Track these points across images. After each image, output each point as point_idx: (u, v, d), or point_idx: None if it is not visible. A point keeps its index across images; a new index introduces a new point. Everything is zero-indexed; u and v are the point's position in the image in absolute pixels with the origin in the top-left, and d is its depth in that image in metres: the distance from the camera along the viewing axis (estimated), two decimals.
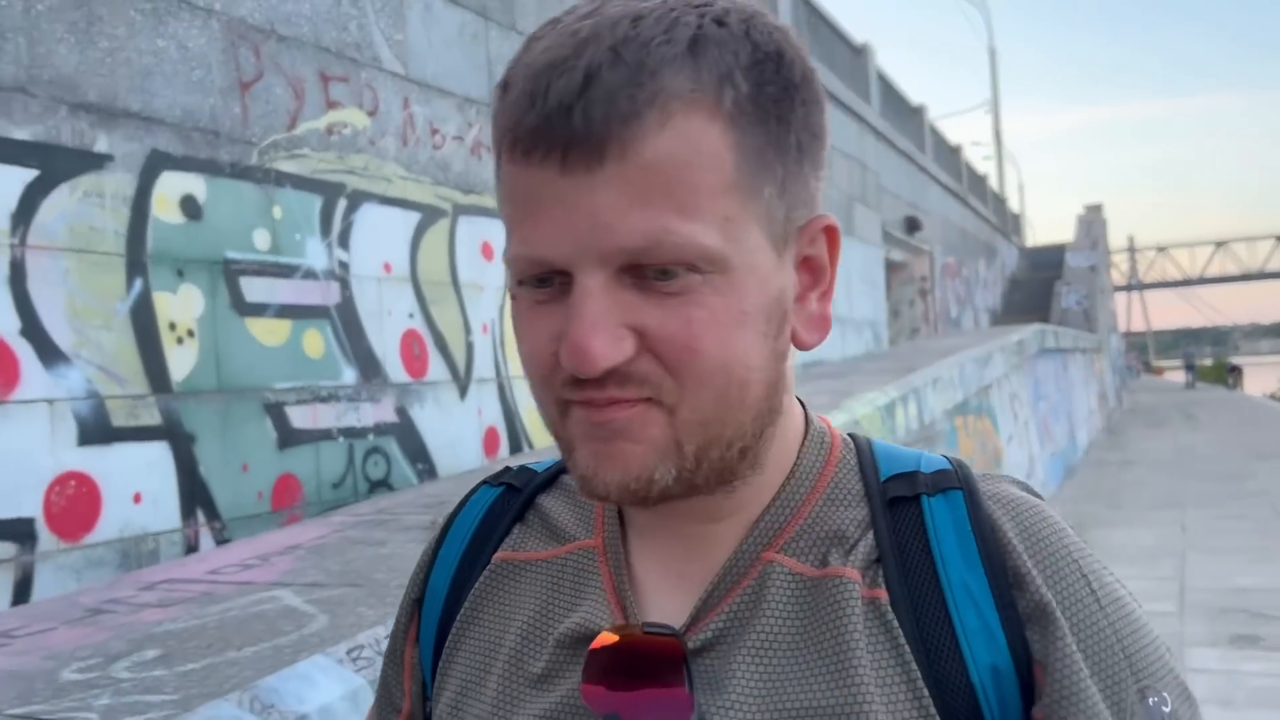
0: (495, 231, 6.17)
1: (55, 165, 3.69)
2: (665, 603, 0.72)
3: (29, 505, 3.53)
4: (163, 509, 3.99)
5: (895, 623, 0.67)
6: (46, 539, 3.56)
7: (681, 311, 0.62)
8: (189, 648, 1.85)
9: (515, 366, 6.26)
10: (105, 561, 3.74)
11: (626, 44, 0.60)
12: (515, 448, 6.17)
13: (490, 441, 5.98)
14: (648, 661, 0.69)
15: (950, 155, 24.23)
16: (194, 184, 4.25)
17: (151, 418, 3.99)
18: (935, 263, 19.72)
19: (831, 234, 0.70)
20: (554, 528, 0.80)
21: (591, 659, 0.70)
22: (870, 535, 0.70)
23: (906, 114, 19.70)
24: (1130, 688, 0.66)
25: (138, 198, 3.99)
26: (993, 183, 31.74)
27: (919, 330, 19.08)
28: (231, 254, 4.39)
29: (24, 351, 3.55)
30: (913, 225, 17.37)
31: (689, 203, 0.61)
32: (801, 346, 0.70)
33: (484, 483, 0.87)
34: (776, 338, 0.67)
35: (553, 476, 0.85)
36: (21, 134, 3.59)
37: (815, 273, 0.69)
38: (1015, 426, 10.37)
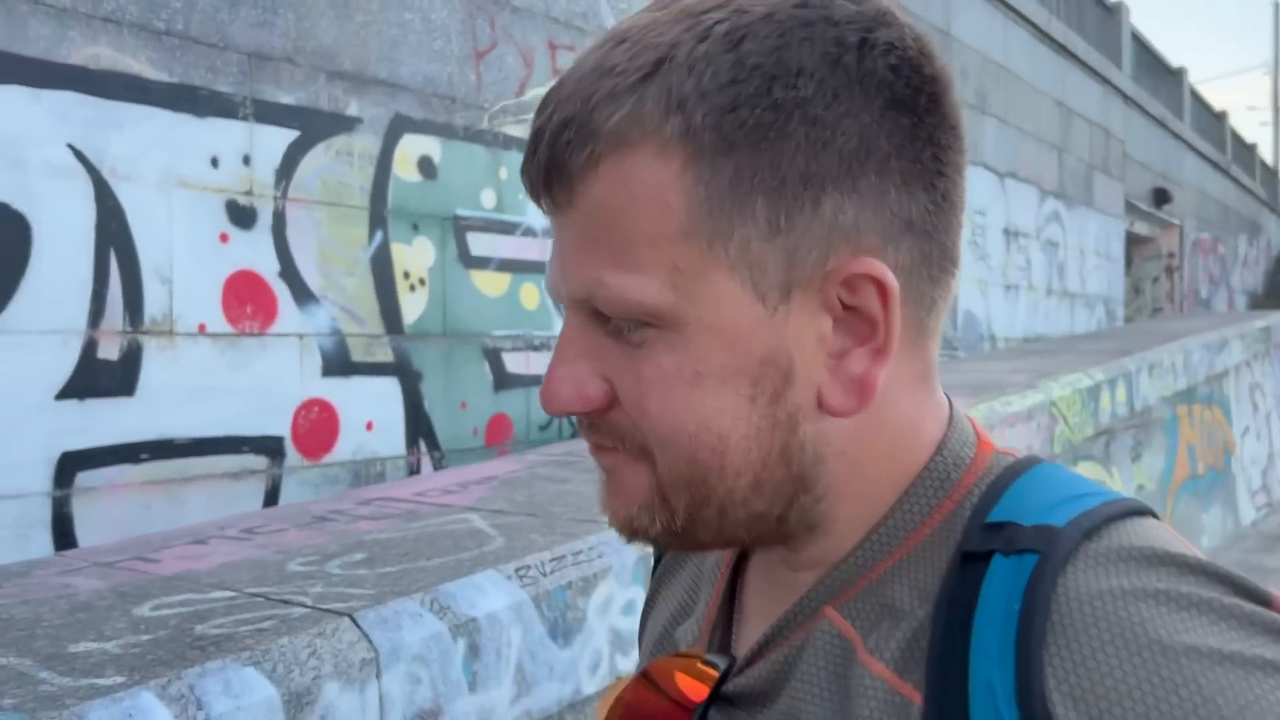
0: None
1: (313, 127, 4.17)
2: (749, 636, 0.69)
3: (279, 425, 4.06)
4: (391, 436, 4.47)
5: None
6: (292, 456, 4.08)
7: (635, 367, 0.58)
8: (389, 554, 2.22)
9: None
10: (339, 480, 4.25)
11: (592, 74, 0.56)
12: None
13: None
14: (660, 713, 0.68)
15: (1213, 122, 22.37)
16: (430, 145, 4.68)
17: (385, 355, 4.46)
18: (1186, 238, 18.39)
19: (878, 285, 0.57)
20: None
21: (641, 676, 0.70)
22: (928, 607, 0.58)
23: (1162, 77, 18.35)
24: None
25: (381, 157, 4.45)
26: (1265, 153, 29.05)
27: (1161, 309, 17.92)
28: (461, 211, 4.81)
29: (281, 291, 4.07)
30: (1161, 197, 16.28)
31: (625, 253, 0.56)
32: (831, 413, 0.59)
33: None
34: (772, 402, 0.58)
35: None
36: (287, 99, 4.08)
37: (862, 327, 0.58)
38: (1254, 419, 9.70)
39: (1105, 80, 13.96)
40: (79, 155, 3.46)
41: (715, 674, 0.65)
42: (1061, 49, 11.85)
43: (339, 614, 1.77)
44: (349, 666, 1.68)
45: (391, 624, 1.78)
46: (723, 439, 0.58)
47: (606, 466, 0.63)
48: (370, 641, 1.73)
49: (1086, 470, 5.70)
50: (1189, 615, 0.49)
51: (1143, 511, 0.57)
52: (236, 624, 1.74)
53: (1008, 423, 4.39)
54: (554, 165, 0.57)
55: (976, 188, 9.79)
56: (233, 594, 1.93)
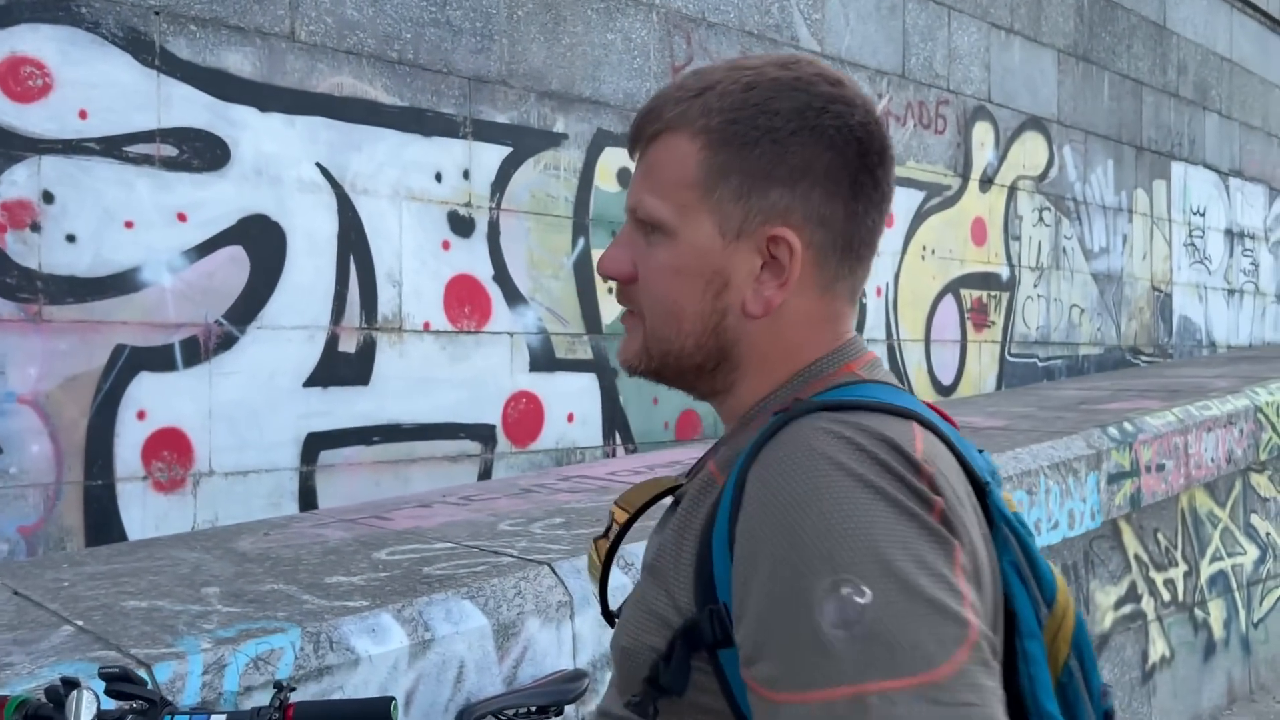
0: (897, 199, 6.41)
1: (524, 143, 4.55)
2: None
3: (492, 414, 4.45)
4: (589, 428, 4.80)
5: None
6: (502, 443, 4.47)
7: (648, 257, 0.94)
8: (584, 519, 2.50)
9: (907, 329, 6.50)
10: (543, 466, 4.60)
11: (669, 89, 0.95)
12: None
13: None
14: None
15: None
16: (628, 159, 4.99)
17: (585, 353, 4.80)
18: None
19: (786, 243, 0.90)
20: None
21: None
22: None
23: None
24: (809, 585, 0.71)
25: (584, 170, 4.79)
26: None
27: None
28: None
29: (495, 293, 4.46)
30: None
31: (658, 187, 0.92)
32: (746, 314, 0.92)
33: None
34: (715, 297, 0.92)
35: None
36: (502, 118, 4.48)
37: (777, 269, 0.91)
38: None
39: None
40: (325, 172, 3.94)
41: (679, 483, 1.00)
42: None
43: (540, 563, 2.06)
44: (548, 606, 1.96)
45: (584, 574, 2.05)
46: (682, 310, 0.93)
47: (626, 327, 0.98)
48: (566, 587, 2.01)
49: None
50: (819, 433, 0.80)
51: (896, 412, 0.85)
52: (456, 567, 2.06)
53: (1204, 427, 4.27)
54: (639, 133, 0.96)
55: (1195, 188, 9.32)
56: (452, 545, 2.26)
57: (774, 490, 0.76)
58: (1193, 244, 9.27)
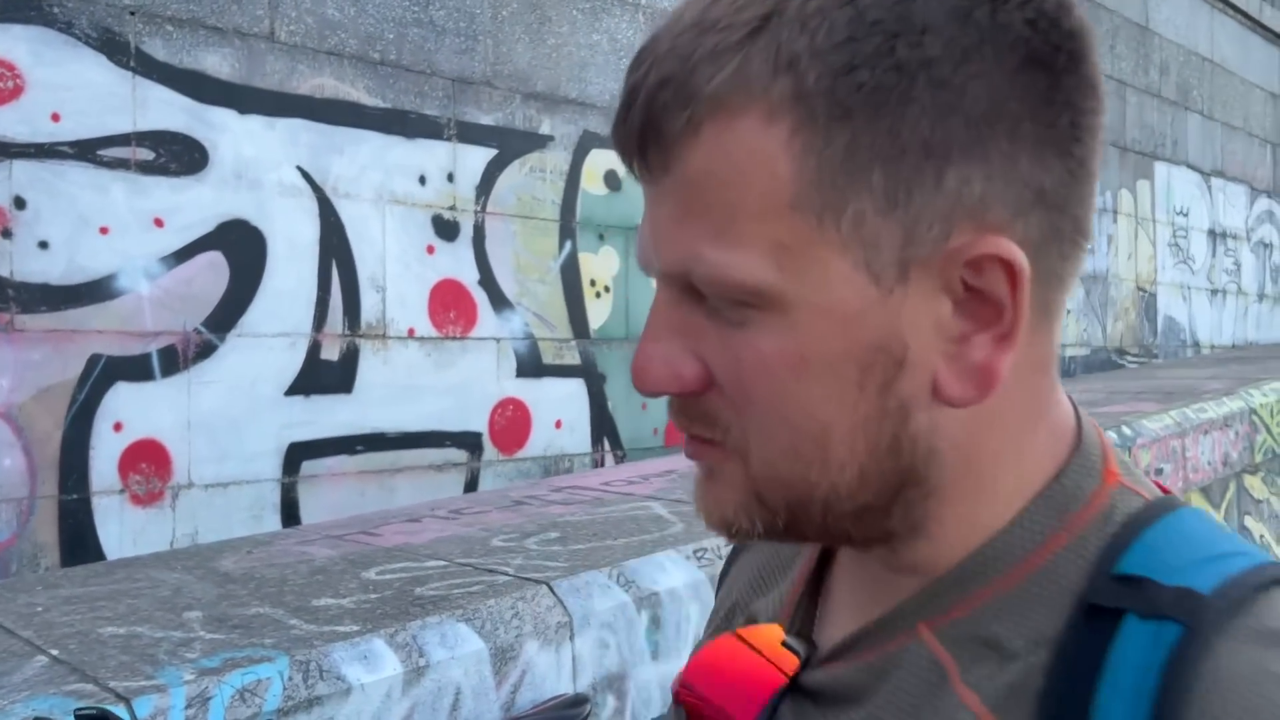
0: None
1: (510, 145, 4.47)
2: (833, 628, 0.64)
3: (478, 422, 4.36)
4: (577, 434, 4.73)
5: None
6: (489, 451, 4.38)
7: (735, 350, 0.54)
8: (580, 534, 2.43)
9: None
10: (531, 473, 4.53)
11: (691, 30, 0.51)
12: None
13: None
14: (751, 671, 0.63)
15: None
16: (616, 160, 4.90)
17: (573, 358, 4.72)
18: None
19: (1006, 266, 0.51)
20: None
21: (726, 637, 0.66)
22: (1045, 653, 0.52)
23: None
24: None
25: (571, 172, 4.72)
26: None
27: None
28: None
29: (480, 298, 4.38)
30: None
31: (726, 227, 0.51)
32: (948, 403, 0.54)
33: None
34: (882, 391, 0.53)
35: None
36: (486, 120, 4.40)
37: (986, 311, 0.52)
38: None
39: None
40: (306, 176, 3.85)
41: (794, 659, 0.61)
42: (1277, 38, 11.14)
43: (538, 582, 1.99)
44: (546, 628, 1.89)
45: (583, 593, 1.98)
46: (827, 430, 0.53)
47: (701, 460, 0.58)
48: (564, 607, 1.94)
49: None
50: None
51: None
52: (449, 587, 1.98)
53: (1201, 430, 4.25)
54: (650, 129, 0.51)
55: (1178, 188, 9.34)
56: (445, 563, 2.19)
57: None
58: (1176, 244, 9.29)
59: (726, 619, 0.73)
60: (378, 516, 3.15)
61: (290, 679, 1.55)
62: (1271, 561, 0.52)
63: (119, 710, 1.32)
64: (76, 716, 1.04)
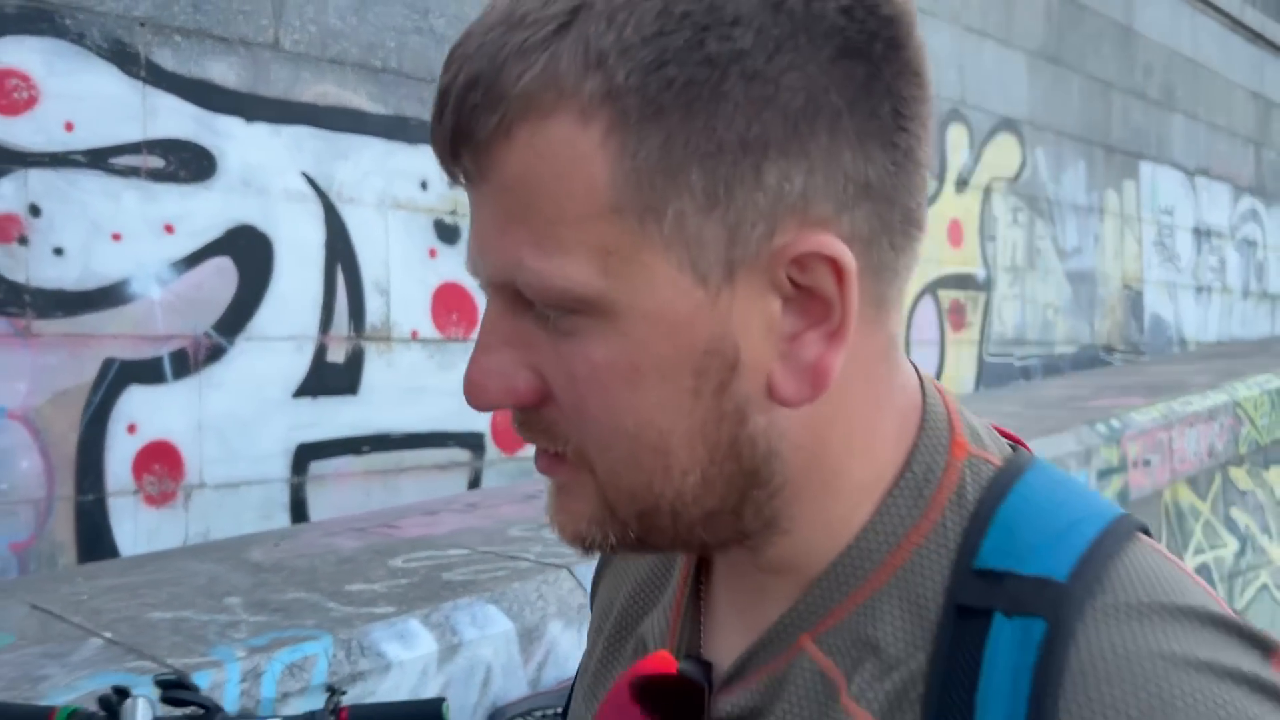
0: None
1: None
2: (725, 638, 0.63)
3: (480, 422, 4.44)
4: None
5: None
6: (491, 450, 4.46)
7: (566, 360, 0.52)
8: None
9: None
10: (532, 472, 4.59)
11: (493, 29, 0.49)
12: None
13: None
14: (673, 696, 0.60)
15: None
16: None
17: None
18: None
19: (832, 263, 0.50)
20: None
21: (624, 679, 0.62)
22: (923, 656, 0.52)
23: None
24: None
25: None
26: None
27: None
28: None
29: (481, 300, 4.46)
30: None
31: (546, 233, 0.49)
32: (783, 403, 0.52)
33: None
34: (716, 394, 0.52)
35: None
36: None
37: (814, 308, 0.51)
38: None
39: None
40: (311, 182, 3.93)
41: (697, 687, 0.60)
42: (1258, 38, 11.31)
43: (558, 567, 2.08)
44: (569, 609, 1.98)
45: None
46: (665, 436, 0.52)
47: (549, 475, 0.56)
48: (585, 590, 2.03)
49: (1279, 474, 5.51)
50: (1197, 675, 0.46)
51: (1132, 530, 0.53)
52: (475, 573, 2.07)
53: (1187, 423, 4.36)
54: (461, 132, 0.50)
55: (1163, 187, 9.48)
56: (467, 551, 2.27)
57: None
58: (1162, 243, 9.43)
59: (616, 638, 0.71)
60: (395, 511, 3.24)
61: (335, 656, 1.64)
62: (1119, 513, 0.54)
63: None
64: (157, 682, 1.12)
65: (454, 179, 0.53)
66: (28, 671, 1.49)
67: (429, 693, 1.72)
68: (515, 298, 0.52)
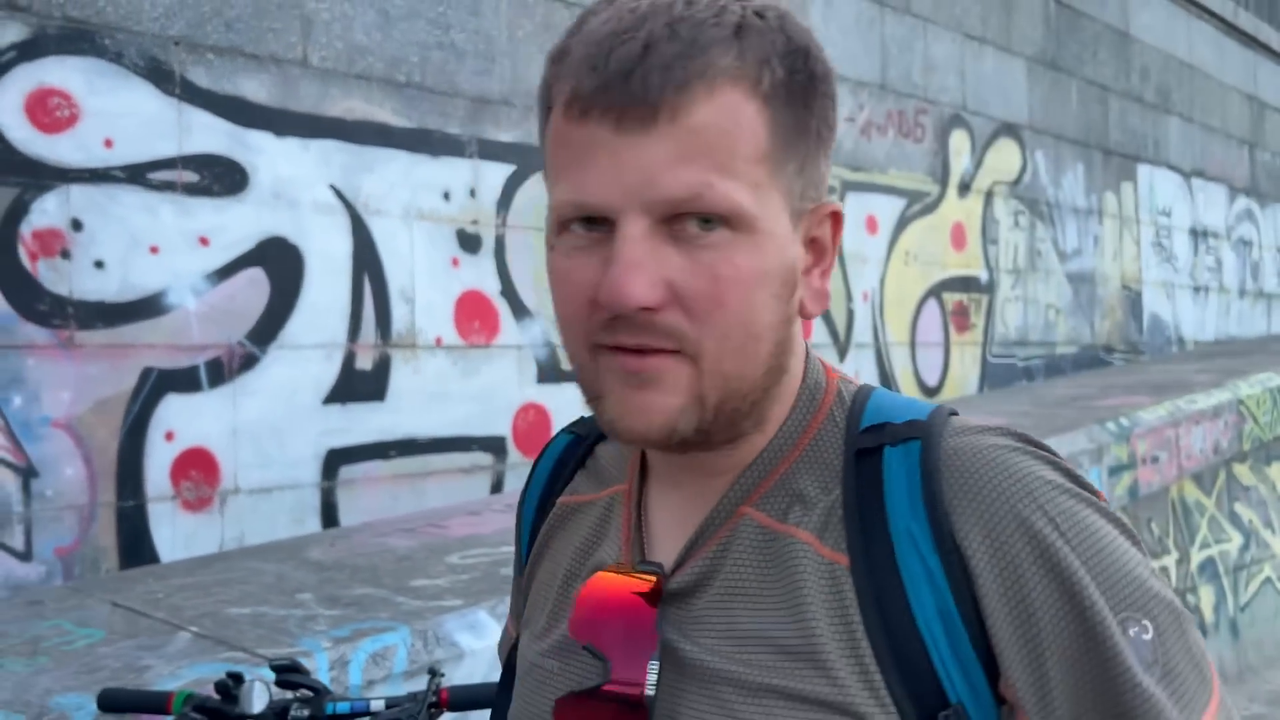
0: (880, 206, 6.58)
1: (528, 161, 4.66)
2: (667, 547, 0.78)
3: (502, 426, 4.54)
4: None
5: (849, 586, 0.70)
6: (513, 453, 4.56)
7: (710, 268, 0.67)
8: None
9: (892, 332, 6.67)
10: None
11: (681, 22, 0.67)
12: None
13: None
14: (626, 596, 0.75)
15: None
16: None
17: None
18: None
19: (836, 219, 0.76)
20: (601, 473, 0.89)
21: (586, 589, 0.77)
22: (838, 491, 0.74)
23: None
24: (1105, 622, 0.65)
25: None
26: None
27: None
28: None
29: (503, 308, 4.57)
30: None
31: (728, 164, 0.67)
32: (805, 316, 0.76)
33: (562, 431, 0.96)
34: (787, 301, 0.73)
35: None
36: (505, 137, 4.59)
37: (819, 252, 0.76)
38: None
39: None
40: (339, 194, 4.04)
41: (653, 578, 0.75)
42: (1252, 41, 11.44)
43: None
44: None
45: None
46: (765, 329, 0.71)
47: (649, 371, 0.69)
48: None
49: None
50: (1010, 452, 0.72)
51: (954, 411, 0.79)
52: None
53: (1193, 420, 4.46)
54: (669, 87, 0.66)
55: (1160, 189, 9.60)
56: None
57: (1048, 543, 0.67)
58: (1160, 244, 9.55)
59: (566, 583, 0.85)
60: (439, 512, 3.34)
61: (412, 645, 1.74)
62: (942, 405, 0.79)
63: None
64: (271, 666, 1.21)
65: (604, 123, 0.67)
66: (129, 663, 1.59)
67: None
68: (659, 221, 0.68)
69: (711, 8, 0.69)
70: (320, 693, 1.24)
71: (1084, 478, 0.73)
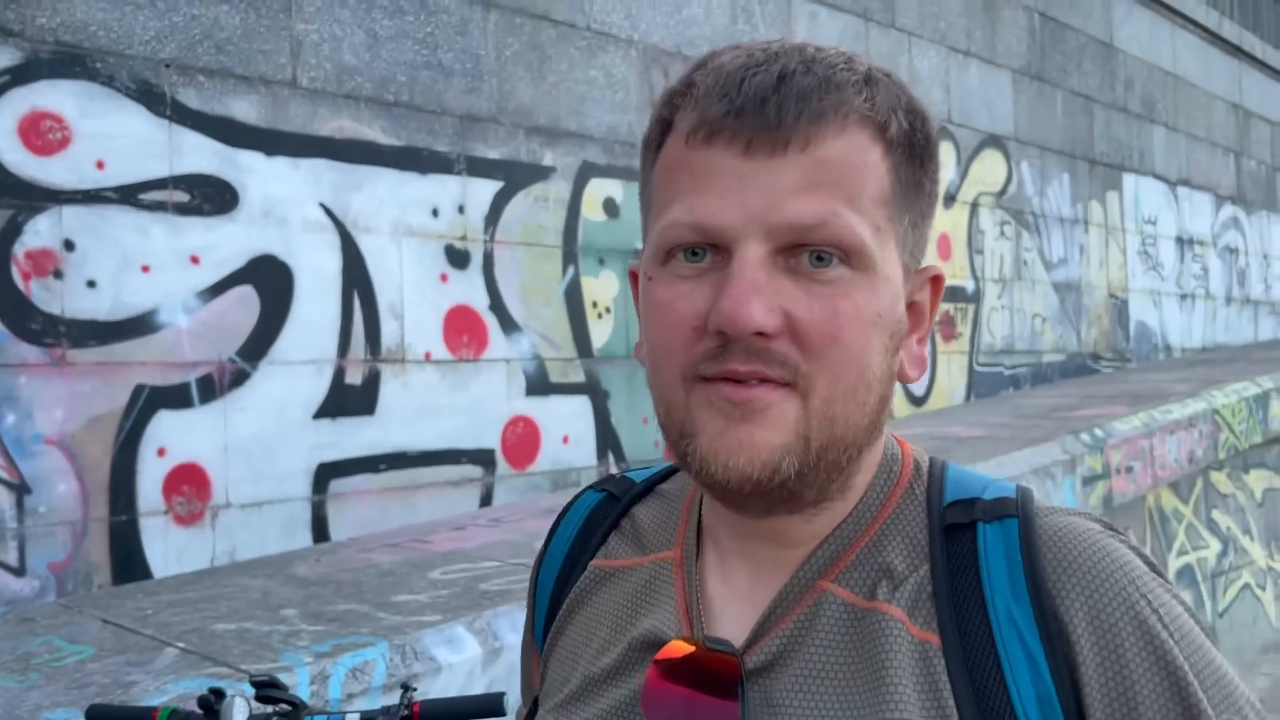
0: None
1: (515, 177, 4.74)
2: (730, 621, 0.75)
3: (491, 439, 4.61)
4: (583, 449, 4.97)
5: (941, 667, 0.68)
6: (502, 466, 4.62)
7: (829, 301, 0.66)
8: None
9: None
10: (541, 487, 4.77)
11: (815, 61, 0.69)
12: None
13: None
14: (706, 676, 0.71)
15: None
16: (613, 188, 5.19)
17: (577, 376, 4.97)
18: None
19: (937, 285, 0.76)
20: (642, 537, 0.84)
21: (656, 666, 0.73)
22: (925, 567, 0.71)
23: None
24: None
25: (571, 200, 4.98)
26: None
27: None
28: (640, 244, 5.28)
29: (491, 322, 4.63)
30: None
31: (855, 199, 0.67)
32: (904, 379, 0.74)
33: (589, 488, 0.93)
34: (892, 356, 0.71)
35: (649, 486, 0.88)
36: (493, 154, 4.66)
37: (918, 316, 0.75)
38: None
39: None
40: (328, 212, 4.10)
41: (730, 657, 0.71)
42: (1236, 50, 11.54)
43: None
44: None
45: None
46: (875, 376, 0.69)
47: (755, 402, 0.67)
48: None
49: (1259, 477, 5.69)
50: (1107, 537, 0.71)
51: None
52: (509, 583, 2.23)
53: (1167, 430, 4.54)
54: (804, 116, 0.66)
55: (1146, 198, 9.69)
56: (498, 563, 2.44)
57: (1156, 635, 0.66)
58: (1146, 252, 9.63)
59: (603, 653, 0.79)
60: (424, 527, 3.41)
61: (391, 660, 1.80)
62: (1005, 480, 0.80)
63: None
64: (251, 681, 1.28)
65: (738, 145, 0.67)
66: (117, 678, 1.65)
67: (475, 692, 1.88)
68: (778, 250, 0.67)
69: (841, 55, 0.70)
70: (298, 706, 1.30)
71: (1159, 566, 0.74)
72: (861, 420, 0.69)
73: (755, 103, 0.66)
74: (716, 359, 0.67)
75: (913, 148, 0.71)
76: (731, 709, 0.70)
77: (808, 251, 0.66)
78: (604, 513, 0.88)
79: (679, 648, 0.72)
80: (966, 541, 0.71)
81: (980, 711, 0.66)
